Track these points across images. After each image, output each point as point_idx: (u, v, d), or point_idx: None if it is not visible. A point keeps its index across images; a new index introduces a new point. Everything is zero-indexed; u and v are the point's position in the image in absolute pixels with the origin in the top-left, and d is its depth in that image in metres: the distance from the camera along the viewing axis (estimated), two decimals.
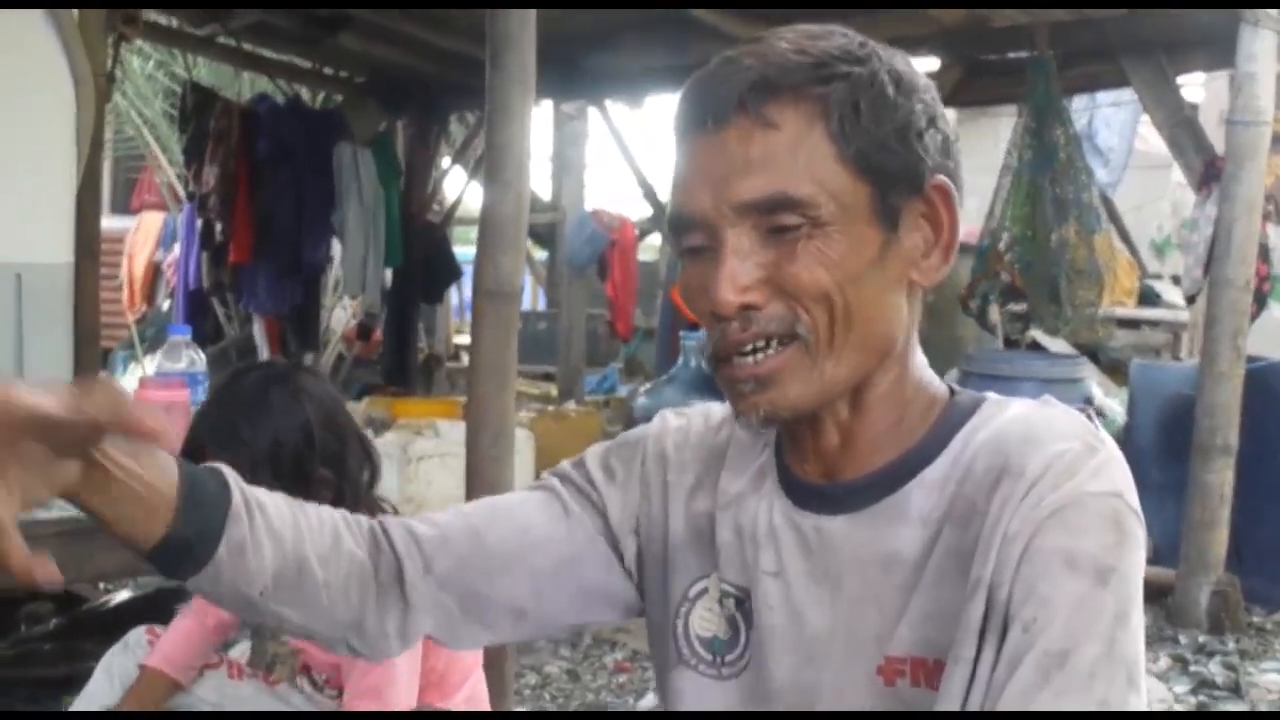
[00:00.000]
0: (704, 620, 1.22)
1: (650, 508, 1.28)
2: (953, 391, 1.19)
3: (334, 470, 2.10)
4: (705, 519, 1.24)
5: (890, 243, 1.10)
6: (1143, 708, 1.00)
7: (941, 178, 1.12)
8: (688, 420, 1.32)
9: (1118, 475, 1.05)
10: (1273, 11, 5.09)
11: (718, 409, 1.31)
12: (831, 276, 1.07)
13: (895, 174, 1.09)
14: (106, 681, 2.37)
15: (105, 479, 1.03)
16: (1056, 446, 1.04)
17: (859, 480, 1.15)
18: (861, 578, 1.12)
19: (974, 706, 1.01)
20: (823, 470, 1.17)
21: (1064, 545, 1.00)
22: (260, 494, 1.17)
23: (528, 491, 1.32)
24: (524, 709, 4.18)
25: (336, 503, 2.06)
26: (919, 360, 1.17)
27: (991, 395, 1.17)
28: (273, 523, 1.16)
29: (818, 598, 1.14)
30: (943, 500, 1.10)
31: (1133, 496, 1.05)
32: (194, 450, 2.07)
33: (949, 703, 1.03)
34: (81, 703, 2.40)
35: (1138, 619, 1.02)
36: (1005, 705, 0.98)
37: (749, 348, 1.09)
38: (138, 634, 2.41)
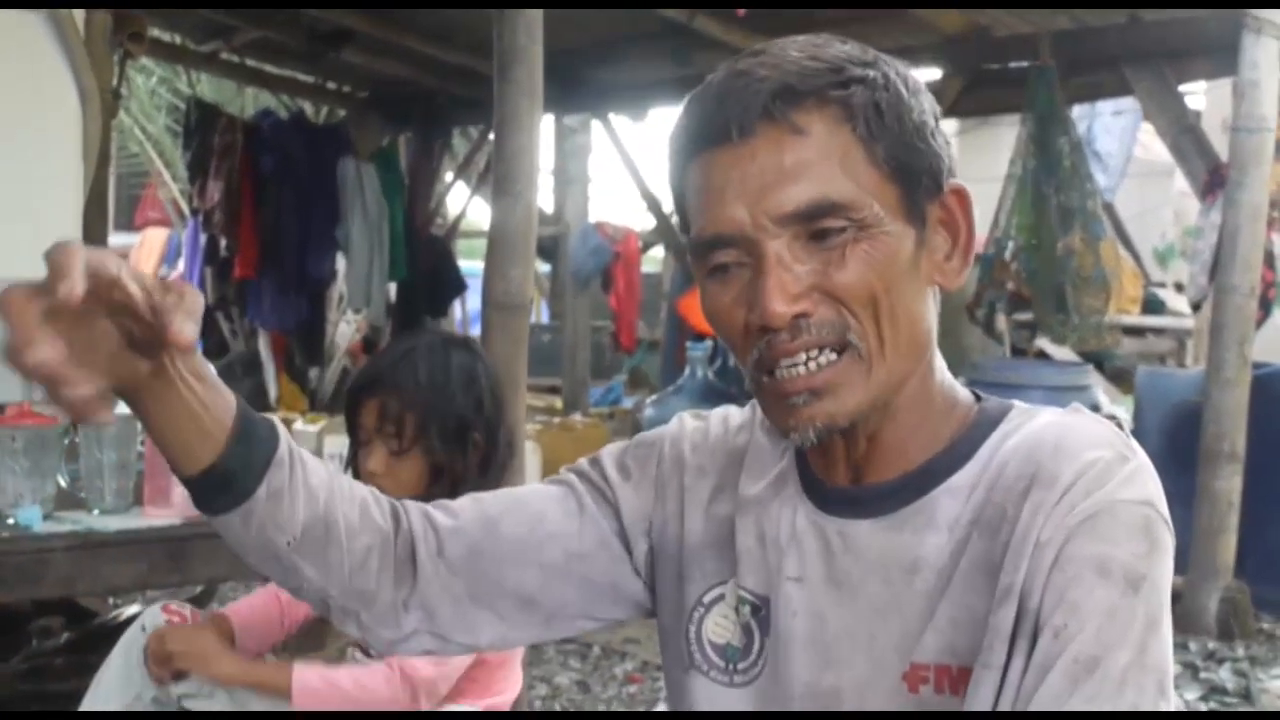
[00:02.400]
0: (718, 627, 1.21)
1: (664, 510, 1.27)
2: (978, 397, 1.19)
3: (488, 439, 2.22)
4: (726, 524, 1.23)
5: (921, 241, 1.10)
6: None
7: (957, 181, 1.13)
8: (706, 423, 1.31)
9: (1149, 484, 1.05)
10: (1275, 19, 5.09)
11: (736, 413, 1.31)
12: (879, 279, 1.06)
13: (920, 173, 1.09)
14: (124, 662, 2.36)
15: (168, 389, 1.03)
16: (1089, 455, 1.05)
17: (886, 484, 1.14)
18: (885, 583, 1.11)
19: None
20: (850, 474, 1.16)
21: (1096, 552, 1.00)
22: (304, 453, 1.17)
23: (544, 485, 1.32)
24: None
25: (482, 468, 2.20)
26: (940, 363, 1.17)
27: (1019, 403, 1.17)
28: (310, 479, 1.16)
29: (838, 601, 1.14)
30: (970, 507, 1.10)
31: (1163, 505, 1.05)
32: (361, 389, 2.21)
33: (977, 709, 1.03)
34: (97, 682, 2.38)
35: (1167, 627, 1.02)
36: (1034, 711, 0.98)
37: (800, 357, 1.07)
38: (154, 612, 2.41)
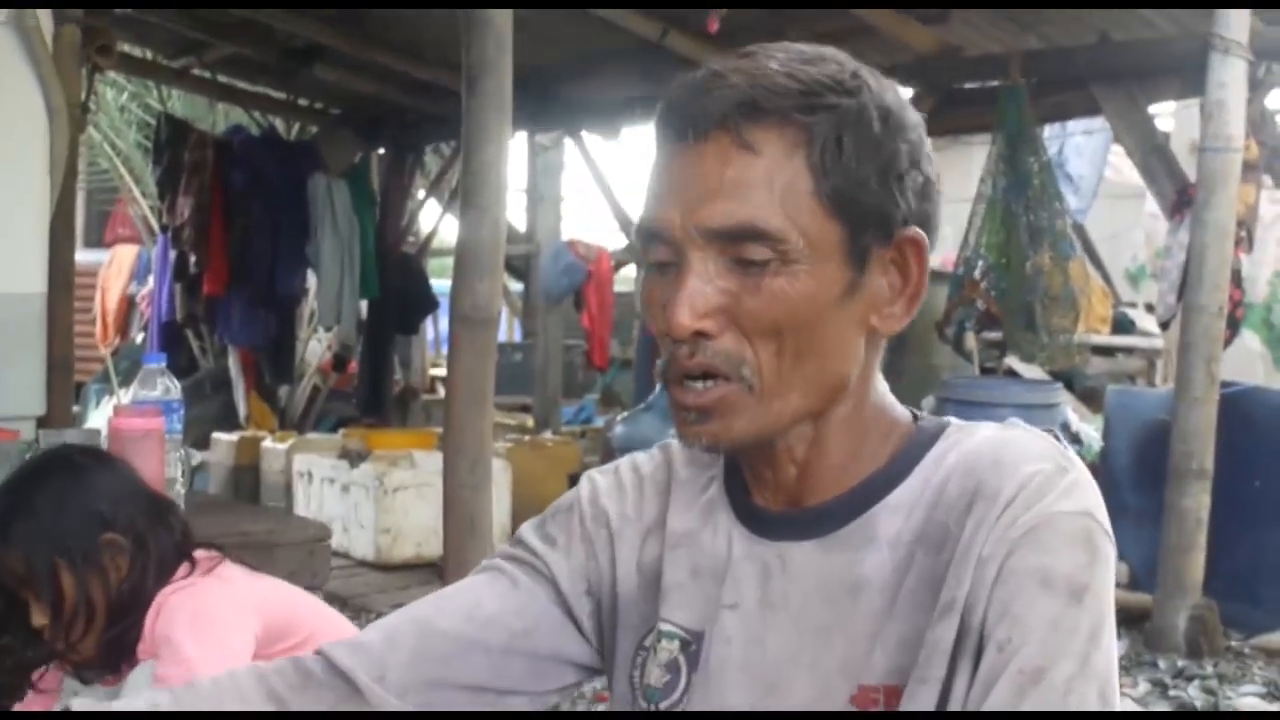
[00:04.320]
0: (652, 669, 1.19)
1: (599, 565, 1.25)
2: (915, 417, 1.18)
3: (128, 537, 2.08)
4: (655, 564, 1.22)
5: (855, 284, 1.08)
6: None
7: (915, 229, 1.09)
8: (616, 474, 1.29)
9: (1088, 495, 1.05)
10: (1242, 39, 5.13)
11: (644, 457, 1.30)
12: (790, 315, 1.05)
13: (869, 216, 1.06)
14: None
15: None
16: (1028, 468, 1.05)
17: (824, 505, 1.13)
18: (828, 603, 1.10)
19: None
20: (785, 499, 1.15)
21: (1037, 565, 1.01)
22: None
23: (471, 576, 1.29)
24: None
25: (136, 560, 2.05)
26: (878, 388, 1.16)
27: (955, 420, 1.16)
28: None
29: (778, 626, 1.12)
30: (912, 524, 1.09)
31: (1103, 515, 1.05)
32: None
33: None
34: None
35: (1110, 636, 1.02)
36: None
37: (696, 375, 1.07)
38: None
